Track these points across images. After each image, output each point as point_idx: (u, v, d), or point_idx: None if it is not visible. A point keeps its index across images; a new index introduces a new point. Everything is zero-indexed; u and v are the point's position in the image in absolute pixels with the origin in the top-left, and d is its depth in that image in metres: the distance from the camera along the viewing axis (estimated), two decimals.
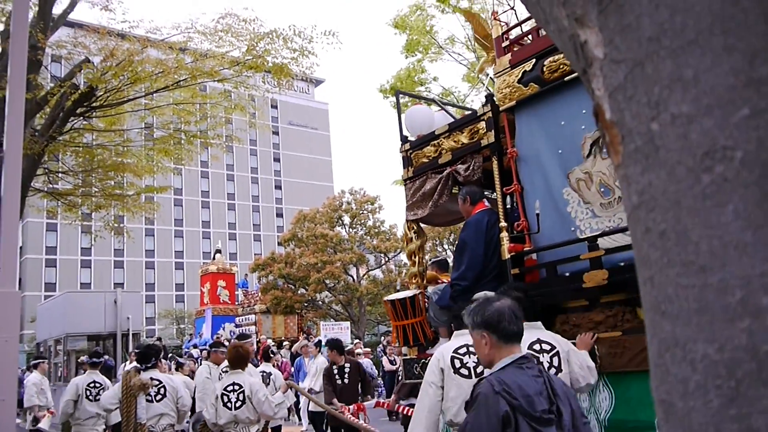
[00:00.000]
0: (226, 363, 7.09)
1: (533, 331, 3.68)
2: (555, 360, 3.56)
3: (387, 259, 31.41)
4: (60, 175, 12.07)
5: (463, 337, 4.16)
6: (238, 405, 5.56)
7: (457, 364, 3.92)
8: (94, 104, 9.22)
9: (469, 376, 3.90)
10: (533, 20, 4.95)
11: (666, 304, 0.57)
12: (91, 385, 8.18)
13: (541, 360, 3.51)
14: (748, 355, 0.50)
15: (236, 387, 5.64)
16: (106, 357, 15.65)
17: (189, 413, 9.74)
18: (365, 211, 30.90)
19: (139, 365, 6.54)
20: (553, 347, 3.60)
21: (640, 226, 0.60)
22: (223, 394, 5.62)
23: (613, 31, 0.61)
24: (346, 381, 8.26)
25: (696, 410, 0.54)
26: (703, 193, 0.53)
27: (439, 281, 5.85)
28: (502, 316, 2.59)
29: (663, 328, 0.58)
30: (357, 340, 20.25)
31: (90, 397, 8.08)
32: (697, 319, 0.54)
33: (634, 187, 0.60)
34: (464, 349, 3.95)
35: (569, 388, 2.71)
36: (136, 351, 10.36)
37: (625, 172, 0.62)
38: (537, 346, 3.58)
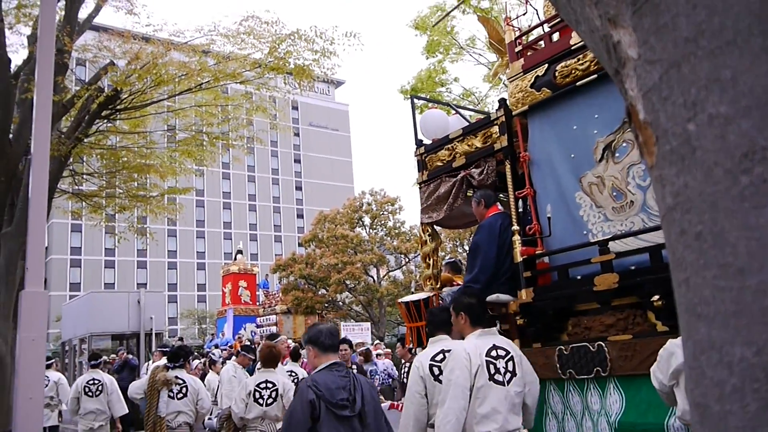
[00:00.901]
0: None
1: (489, 338, 3.75)
2: (510, 364, 3.63)
3: (407, 260, 31.39)
4: (85, 176, 12.23)
5: (439, 343, 4.20)
6: (269, 402, 5.79)
7: (436, 371, 3.98)
8: (118, 107, 9.33)
9: None
10: (546, 25, 4.94)
11: (702, 306, 0.56)
12: (90, 382, 8.71)
13: (497, 366, 3.59)
14: None
15: (269, 385, 5.88)
16: (130, 356, 15.89)
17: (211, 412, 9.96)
18: (385, 212, 30.92)
19: (168, 363, 6.90)
20: (507, 352, 3.69)
21: (675, 227, 0.59)
22: (255, 391, 5.85)
23: (647, 32, 0.61)
24: None
25: (733, 414, 0.53)
26: (741, 194, 0.52)
27: (454, 283, 5.84)
28: (321, 334, 3.68)
29: (699, 331, 0.57)
30: (378, 341, 20.25)
31: (89, 394, 8.62)
32: (734, 321, 0.53)
33: (669, 188, 0.60)
34: (441, 356, 3.98)
35: (373, 386, 3.80)
36: (162, 349, 10.73)
37: (659, 173, 0.62)
38: (494, 352, 3.64)
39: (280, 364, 7.51)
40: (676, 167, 0.58)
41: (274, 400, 5.81)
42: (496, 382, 3.54)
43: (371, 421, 3.52)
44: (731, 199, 0.53)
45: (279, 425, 5.82)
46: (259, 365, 6.44)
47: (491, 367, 3.56)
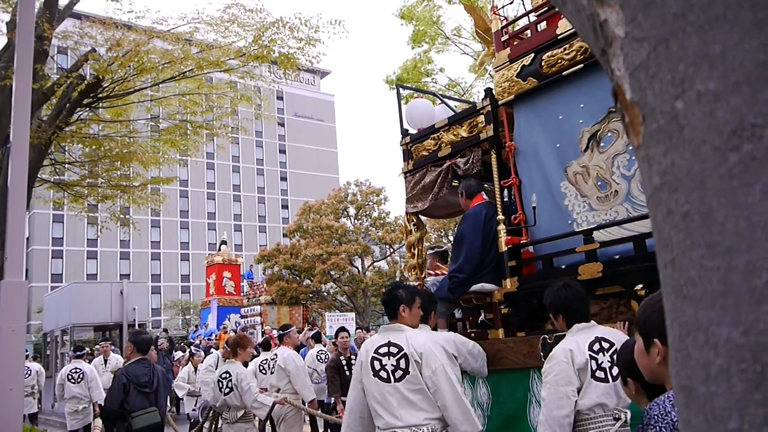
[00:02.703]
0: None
1: (388, 334, 3.69)
2: (402, 362, 3.51)
3: (392, 250, 31.44)
4: (66, 165, 12.08)
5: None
6: (226, 391, 6.20)
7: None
8: (100, 95, 9.20)
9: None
10: (533, 14, 4.93)
11: (688, 287, 0.55)
12: (73, 371, 9.98)
13: (383, 363, 3.53)
14: None
15: (227, 375, 6.28)
16: (113, 348, 15.78)
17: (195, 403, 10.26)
18: (370, 203, 30.93)
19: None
20: (401, 350, 3.56)
21: (661, 207, 0.58)
22: (218, 381, 6.36)
23: (635, 9, 0.59)
24: (351, 372, 8.20)
25: (718, 395, 0.52)
26: (729, 172, 0.51)
27: (438, 272, 5.85)
28: (143, 342, 5.98)
29: (685, 312, 0.56)
30: (359, 330, 20.27)
31: (72, 381, 9.86)
32: (721, 302, 0.52)
33: (656, 168, 0.59)
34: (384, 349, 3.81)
35: (164, 372, 6.21)
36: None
37: (646, 153, 0.60)
38: (383, 349, 3.59)
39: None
40: (663, 146, 0.57)
41: (230, 389, 6.18)
42: (381, 378, 3.50)
43: (162, 398, 5.89)
44: (719, 177, 0.52)
45: (240, 413, 6.29)
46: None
47: (375, 363, 3.54)
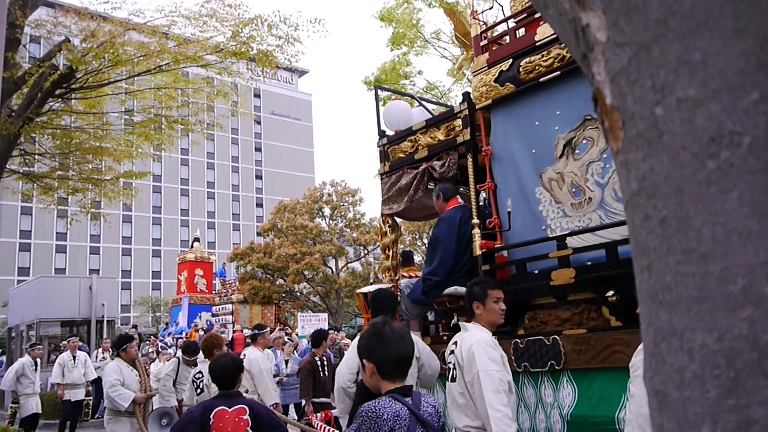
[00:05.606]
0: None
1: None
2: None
3: (366, 251, 31.43)
4: (36, 157, 11.83)
5: None
6: (198, 392, 6.23)
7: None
8: (73, 86, 9.03)
9: None
10: (512, 20, 4.97)
11: (664, 292, 0.56)
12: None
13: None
14: (749, 345, 0.49)
15: (200, 375, 6.31)
16: (81, 344, 15.50)
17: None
18: (346, 203, 30.87)
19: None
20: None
21: (639, 213, 0.59)
22: (193, 380, 6.39)
23: (618, 14, 0.60)
24: (326, 373, 8.18)
25: (692, 400, 0.53)
26: (707, 179, 0.52)
27: (413, 275, 5.86)
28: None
29: (660, 317, 0.56)
30: (332, 331, 20.21)
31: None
32: (696, 307, 0.52)
33: (634, 173, 0.59)
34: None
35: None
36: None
37: (624, 158, 0.61)
38: None
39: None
40: (642, 152, 0.57)
41: (202, 390, 6.16)
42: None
43: None
44: (697, 183, 0.52)
45: None
46: (201, 356, 6.70)
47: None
